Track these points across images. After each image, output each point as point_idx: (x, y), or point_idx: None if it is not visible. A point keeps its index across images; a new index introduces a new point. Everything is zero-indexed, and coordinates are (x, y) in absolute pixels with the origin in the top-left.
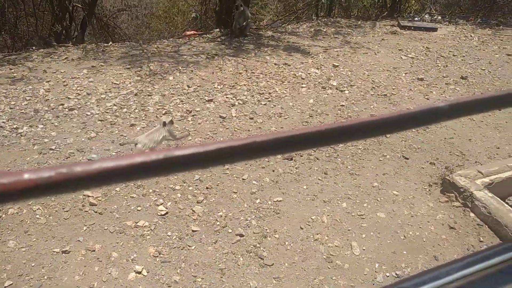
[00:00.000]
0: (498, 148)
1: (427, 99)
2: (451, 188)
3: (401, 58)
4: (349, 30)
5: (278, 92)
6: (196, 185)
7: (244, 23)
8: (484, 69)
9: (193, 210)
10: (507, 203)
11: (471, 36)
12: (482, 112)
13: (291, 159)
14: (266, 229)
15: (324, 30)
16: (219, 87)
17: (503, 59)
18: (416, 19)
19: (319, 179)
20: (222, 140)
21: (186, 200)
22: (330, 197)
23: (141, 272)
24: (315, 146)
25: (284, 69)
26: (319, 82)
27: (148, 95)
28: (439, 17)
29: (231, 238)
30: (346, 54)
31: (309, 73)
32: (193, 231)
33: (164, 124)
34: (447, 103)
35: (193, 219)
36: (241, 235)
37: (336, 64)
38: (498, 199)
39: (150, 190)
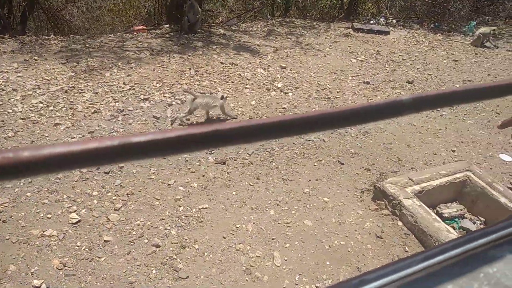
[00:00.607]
0: (435, 154)
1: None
2: (381, 196)
3: (351, 61)
4: (303, 31)
5: (221, 92)
6: (116, 191)
7: (195, 19)
8: (431, 74)
9: (109, 218)
10: (438, 211)
11: (422, 40)
12: (442, 106)
13: (224, 163)
14: (186, 239)
15: (278, 30)
16: (158, 85)
17: (450, 65)
18: (371, 22)
19: (250, 185)
20: (183, 127)
21: (103, 207)
22: (259, 203)
23: (39, 287)
24: (276, 137)
25: (230, 68)
26: (264, 83)
27: (79, 93)
28: (394, 21)
29: (146, 249)
30: (296, 56)
31: (255, 74)
32: (105, 241)
33: (222, 97)
34: (411, 96)
35: (107, 228)
36: (158, 246)
37: (284, 65)
38: (426, 208)
39: (65, 196)
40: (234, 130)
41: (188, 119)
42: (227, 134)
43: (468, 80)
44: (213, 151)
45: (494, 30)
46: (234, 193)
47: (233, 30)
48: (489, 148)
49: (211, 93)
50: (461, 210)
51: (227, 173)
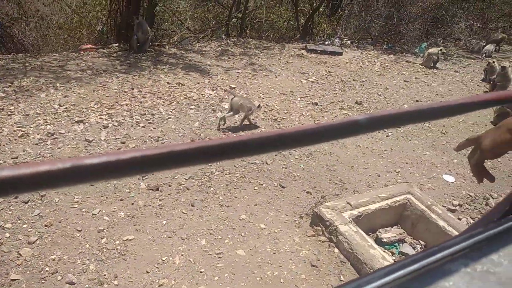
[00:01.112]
0: (379, 176)
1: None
2: (318, 221)
3: (301, 81)
4: (257, 51)
5: (163, 113)
6: (33, 222)
7: (144, 39)
8: (380, 95)
9: (20, 253)
10: (378, 236)
11: (374, 61)
12: (395, 126)
13: (157, 189)
14: (105, 274)
15: (232, 50)
16: (95, 106)
17: (400, 85)
18: (326, 43)
19: (183, 212)
20: (138, 148)
21: (15, 240)
22: (190, 233)
23: None
24: (232, 157)
25: (177, 88)
26: (210, 104)
27: (8, 115)
28: (349, 42)
29: (58, 287)
30: (247, 76)
31: (202, 94)
32: (12, 280)
33: (259, 106)
34: (365, 117)
35: (17, 265)
36: (72, 283)
37: (233, 85)
38: (362, 233)
39: None
40: (192, 150)
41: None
42: (155, 159)
43: (417, 100)
44: (146, 177)
45: (441, 49)
46: (164, 222)
47: (186, 49)
48: (433, 169)
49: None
50: (401, 234)
51: (159, 200)
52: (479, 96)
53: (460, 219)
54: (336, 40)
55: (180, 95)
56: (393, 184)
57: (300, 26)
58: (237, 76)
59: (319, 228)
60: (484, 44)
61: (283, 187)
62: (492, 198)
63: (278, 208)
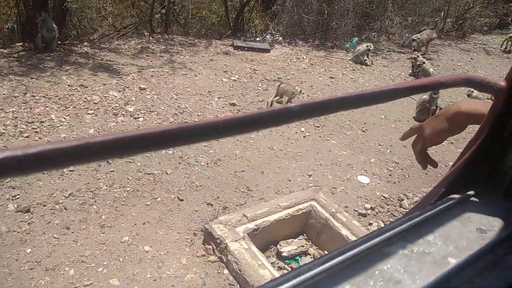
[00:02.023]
0: (290, 180)
1: None
2: (210, 239)
3: (222, 80)
4: (181, 48)
5: (55, 120)
6: None
7: (50, 37)
8: (303, 92)
9: None
10: (279, 249)
11: (303, 58)
12: (324, 114)
13: (28, 211)
14: None
15: (153, 47)
16: None
17: (325, 82)
18: (257, 39)
19: (54, 237)
20: (53, 142)
21: None
22: (58, 262)
23: None
24: (151, 149)
25: (78, 91)
26: (112, 108)
27: None
28: (280, 38)
29: None
30: (163, 75)
31: (106, 97)
32: None
33: (300, 91)
34: (298, 105)
35: None
36: None
37: (144, 86)
38: (255, 250)
39: None
40: (108, 142)
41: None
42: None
43: None
44: (17, 196)
45: (368, 46)
46: (28, 250)
47: (101, 48)
48: (348, 170)
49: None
50: (304, 245)
51: (28, 224)
52: (402, 84)
53: (371, 223)
54: (268, 37)
55: (80, 99)
56: (303, 189)
57: (230, 22)
58: (152, 76)
59: (210, 246)
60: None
61: (181, 200)
62: (407, 198)
63: (170, 225)
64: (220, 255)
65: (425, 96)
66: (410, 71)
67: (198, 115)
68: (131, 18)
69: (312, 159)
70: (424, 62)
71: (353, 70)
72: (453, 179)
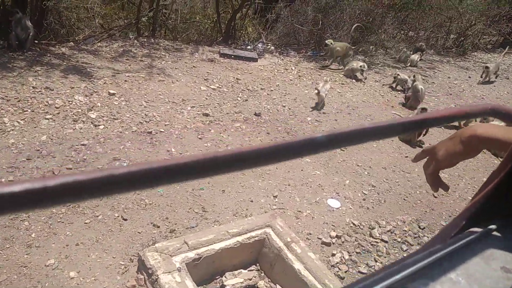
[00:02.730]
0: (252, 201)
1: (200, 138)
2: (142, 268)
3: (200, 89)
4: (164, 53)
5: (7, 123)
6: None
7: (25, 36)
8: (284, 106)
9: None
10: (223, 281)
11: (292, 69)
12: (353, 144)
13: None
14: None
15: (135, 51)
16: None
17: (310, 95)
18: (248, 47)
19: None
20: (73, 174)
21: None
22: None
23: None
24: (176, 181)
25: (41, 94)
26: (74, 113)
27: None
28: (272, 47)
29: None
30: (137, 81)
31: (70, 101)
32: None
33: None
34: (324, 134)
35: None
36: None
37: (113, 91)
38: (189, 285)
39: None
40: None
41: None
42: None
43: (323, 113)
44: None
45: (362, 66)
46: None
47: (80, 49)
48: (318, 191)
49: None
50: (251, 279)
51: None
52: (437, 112)
53: (334, 254)
54: (259, 45)
55: (41, 102)
56: (266, 211)
57: (222, 29)
58: (125, 81)
59: (142, 276)
60: (411, 53)
61: (125, 220)
62: (379, 226)
63: (106, 248)
64: (152, 287)
65: (411, 116)
66: (391, 85)
67: (165, 125)
68: (119, 20)
69: (281, 178)
70: (414, 80)
71: (342, 84)
72: (475, 211)
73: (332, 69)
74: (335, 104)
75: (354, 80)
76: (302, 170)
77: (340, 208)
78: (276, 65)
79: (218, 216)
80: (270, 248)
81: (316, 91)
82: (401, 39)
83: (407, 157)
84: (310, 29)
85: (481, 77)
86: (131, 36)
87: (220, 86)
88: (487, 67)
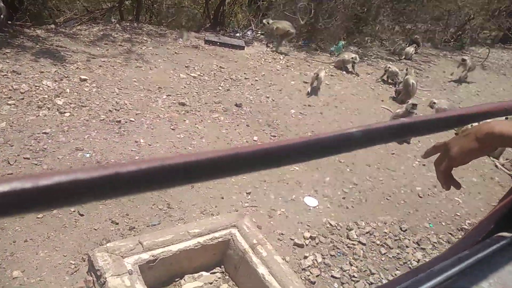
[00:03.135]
0: (223, 198)
1: (172, 129)
2: (91, 269)
3: (179, 76)
4: (147, 39)
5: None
6: None
7: None
8: (268, 97)
9: None
10: (182, 283)
11: (280, 58)
12: (392, 141)
13: None
14: None
15: (116, 35)
16: None
17: (297, 87)
18: (237, 34)
19: None
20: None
21: None
22: None
23: None
24: (191, 181)
25: (7, 78)
26: (39, 99)
27: None
28: (262, 36)
29: None
30: (113, 66)
31: (37, 86)
32: None
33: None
34: (359, 129)
35: None
36: None
37: (85, 77)
38: None
39: None
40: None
41: None
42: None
43: (309, 105)
44: None
45: (353, 58)
46: None
47: (57, 32)
48: (296, 189)
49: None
50: (212, 283)
51: None
52: (479, 107)
53: (306, 257)
54: (249, 33)
55: (5, 87)
56: (236, 210)
57: (211, 15)
58: (100, 66)
59: (91, 278)
60: (407, 45)
61: (81, 215)
62: (358, 227)
63: (57, 245)
64: None
65: (399, 110)
66: (382, 77)
67: (136, 114)
68: (104, 3)
69: (257, 173)
70: (406, 73)
71: (332, 76)
72: (503, 215)
73: (322, 60)
74: (322, 97)
75: (344, 72)
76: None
77: (318, 207)
78: (264, 54)
79: (184, 214)
80: (235, 250)
81: (315, 75)
82: (397, 31)
83: (393, 154)
84: (301, 17)
85: (458, 70)
86: (113, 20)
87: (201, 74)
88: (463, 60)
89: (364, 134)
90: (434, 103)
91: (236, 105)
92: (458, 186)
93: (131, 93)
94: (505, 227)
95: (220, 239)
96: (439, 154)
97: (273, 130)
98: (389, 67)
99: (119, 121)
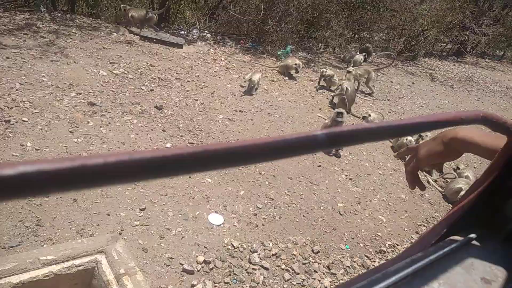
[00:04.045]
0: (109, 215)
1: (71, 132)
2: None
3: (98, 73)
4: (76, 31)
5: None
6: None
7: None
8: (197, 99)
9: None
10: None
11: (221, 59)
12: (356, 144)
13: None
14: None
15: (41, 26)
16: None
17: (232, 91)
18: (182, 32)
19: None
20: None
21: None
22: None
23: None
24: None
25: None
26: None
27: None
28: (209, 35)
29: None
30: (24, 59)
31: None
32: None
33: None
34: (323, 132)
35: None
36: None
37: None
38: None
39: None
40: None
41: None
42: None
43: (240, 111)
44: None
45: (297, 64)
46: None
47: None
48: (202, 204)
49: None
50: None
51: None
52: (432, 116)
53: (193, 285)
54: (194, 31)
55: None
56: (122, 229)
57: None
58: (7, 57)
59: None
60: (357, 53)
61: None
62: (264, 248)
63: None
64: None
65: (327, 121)
66: (318, 84)
67: (32, 113)
68: None
69: (160, 185)
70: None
71: (273, 81)
72: (456, 219)
73: (266, 64)
74: (257, 103)
75: (287, 78)
76: (190, 177)
77: (222, 225)
78: (204, 54)
79: (55, 233)
80: (99, 280)
81: (248, 78)
82: (353, 39)
83: (320, 166)
84: (249, 19)
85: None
86: (42, 9)
87: (125, 72)
88: (348, 71)
89: (328, 136)
90: (369, 115)
91: (156, 107)
92: (423, 188)
93: (34, 89)
94: (457, 230)
95: (80, 268)
96: (409, 156)
97: (193, 136)
98: (325, 71)
99: (8, 121)
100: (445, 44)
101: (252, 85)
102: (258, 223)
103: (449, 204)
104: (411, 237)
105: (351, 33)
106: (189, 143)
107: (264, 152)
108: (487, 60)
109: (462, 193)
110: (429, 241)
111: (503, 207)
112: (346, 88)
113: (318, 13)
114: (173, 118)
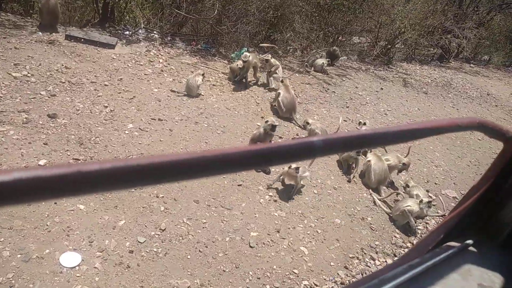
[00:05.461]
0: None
1: None
2: None
3: None
4: None
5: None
6: None
7: None
8: (107, 106)
9: None
10: None
11: (159, 62)
12: (352, 150)
13: None
14: None
15: None
16: None
17: (159, 96)
18: (126, 32)
19: None
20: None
21: None
22: None
23: None
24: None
25: None
26: None
27: None
28: (156, 35)
29: None
30: None
31: None
32: None
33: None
34: (321, 139)
35: None
36: None
37: None
38: None
39: None
40: None
41: None
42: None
43: (159, 119)
44: None
45: (239, 65)
46: None
47: None
48: (57, 240)
49: None
50: None
51: None
52: (428, 122)
53: None
54: (140, 31)
55: None
56: None
57: (99, 9)
58: None
59: None
60: (321, 56)
61: None
62: None
63: None
64: None
65: (256, 131)
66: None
67: None
68: None
69: (6, 215)
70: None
71: (214, 85)
72: (453, 225)
73: (215, 67)
74: (185, 110)
75: (230, 83)
76: (55, 202)
77: (78, 268)
78: (140, 55)
79: None
80: None
81: (186, 80)
82: (326, 42)
83: (240, 185)
84: (199, 18)
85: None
86: None
87: (28, 75)
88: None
89: (324, 142)
90: (308, 123)
91: (49, 115)
92: None
93: None
94: (454, 236)
95: None
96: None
97: (83, 150)
98: (270, 58)
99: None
100: (430, 49)
101: (191, 88)
102: (132, 264)
103: (396, 229)
104: (337, 274)
105: (322, 35)
106: (73, 159)
107: (258, 159)
108: (472, 65)
109: (413, 212)
110: (426, 247)
111: (499, 213)
112: (279, 92)
113: (280, 13)
114: (65, 129)
